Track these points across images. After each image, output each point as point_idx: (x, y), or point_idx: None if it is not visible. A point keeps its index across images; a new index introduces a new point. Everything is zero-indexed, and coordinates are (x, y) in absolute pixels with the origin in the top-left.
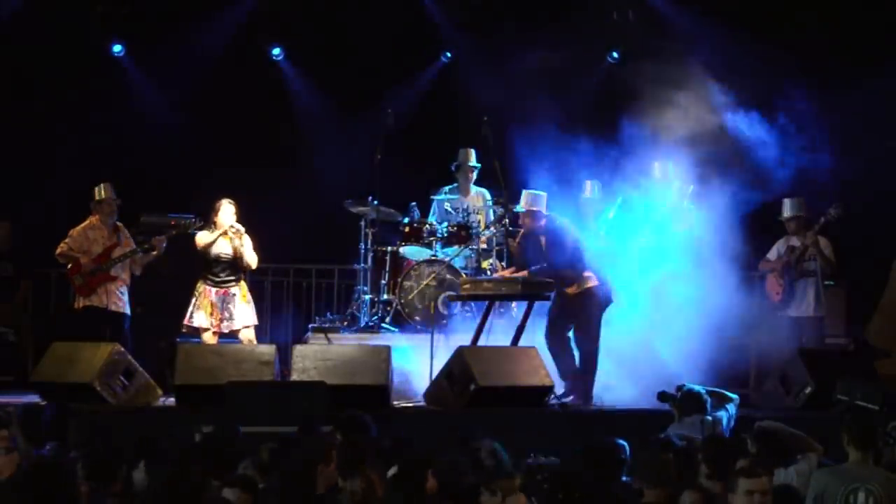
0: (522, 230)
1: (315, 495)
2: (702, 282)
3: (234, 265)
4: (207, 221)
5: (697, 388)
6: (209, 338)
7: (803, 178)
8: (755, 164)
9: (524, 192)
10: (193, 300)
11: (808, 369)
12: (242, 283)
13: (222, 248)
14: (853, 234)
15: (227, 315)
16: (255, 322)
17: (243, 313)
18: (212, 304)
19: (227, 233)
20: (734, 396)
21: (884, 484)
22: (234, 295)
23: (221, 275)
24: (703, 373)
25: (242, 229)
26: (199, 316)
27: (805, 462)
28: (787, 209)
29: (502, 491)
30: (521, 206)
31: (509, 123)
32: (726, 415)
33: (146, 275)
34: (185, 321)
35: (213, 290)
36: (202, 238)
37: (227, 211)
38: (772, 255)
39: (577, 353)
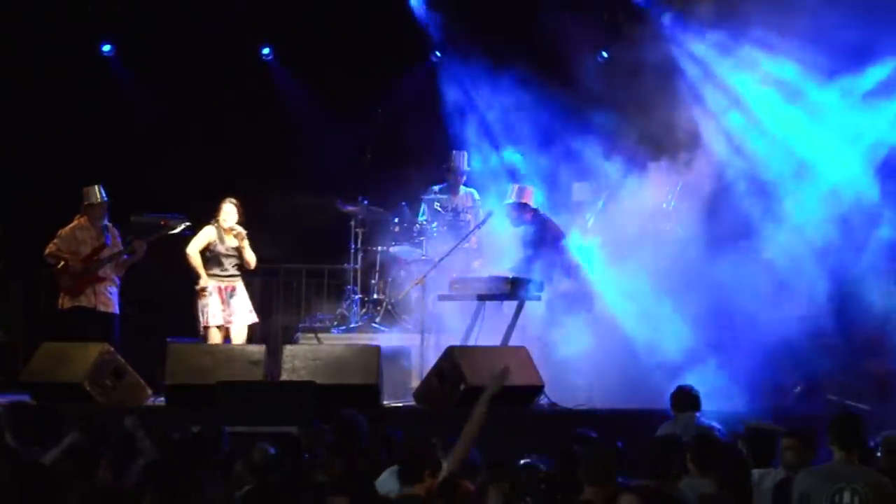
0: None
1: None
2: (692, 279)
3: (237, 261)
4: (210, 219)
5: (690, 385)
6: (216, 335)
7: None
8: None
9: (511, 186)
10: (204, 300)
11: None
12: (240, 280)
13: (227, 245)
14: None
15: (230, 309)
16: (255, 319)
17: (243, 309)
18: (222, 300)
19: (232, 230)
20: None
21: (869, 483)
22: (237, 289)
23: (227, 270)
24: (698, 373)
25: (244, 232)
26: (215, 312)
27: None
28: None
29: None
30: (509, 199)
31: (499, 123)
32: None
33: (137, 275)
34: (204, 323)
35: (220, 285)
36: (209, 235)
37: (229, 210)
38: None
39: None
